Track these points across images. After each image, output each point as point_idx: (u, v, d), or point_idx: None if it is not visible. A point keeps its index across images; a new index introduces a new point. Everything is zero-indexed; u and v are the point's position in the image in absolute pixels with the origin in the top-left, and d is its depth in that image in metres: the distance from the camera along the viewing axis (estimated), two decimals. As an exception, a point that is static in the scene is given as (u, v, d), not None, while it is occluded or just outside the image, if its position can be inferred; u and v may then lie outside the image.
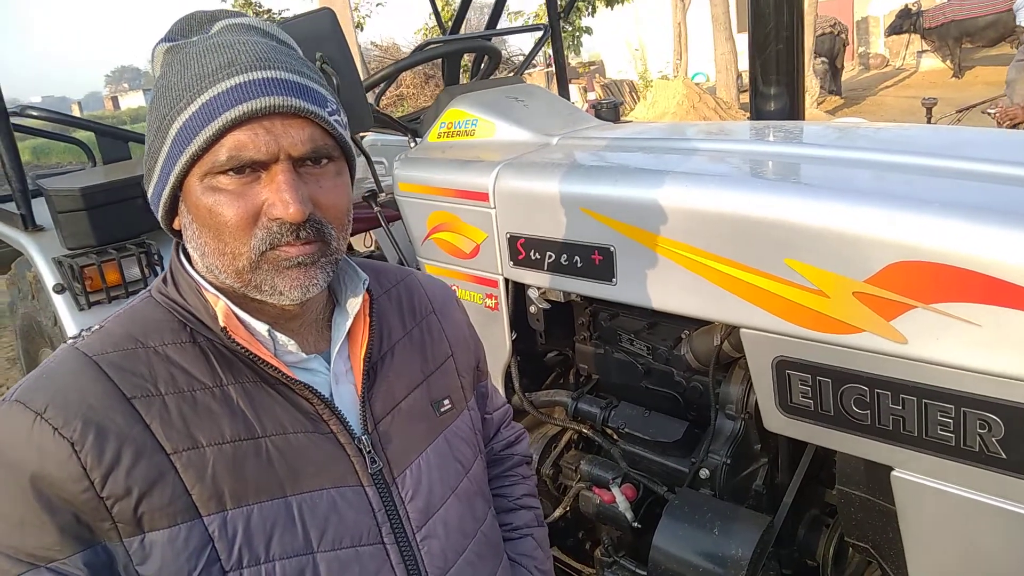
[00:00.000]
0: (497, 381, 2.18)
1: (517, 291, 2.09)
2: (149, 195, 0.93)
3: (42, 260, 2.48)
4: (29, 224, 2.58)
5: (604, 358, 2.10)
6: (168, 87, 0.86)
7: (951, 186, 1.39)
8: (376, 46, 18.20)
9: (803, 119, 2.31)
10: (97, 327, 0.92)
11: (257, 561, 0.85)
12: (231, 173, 0.84)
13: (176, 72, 0.86)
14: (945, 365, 1.27)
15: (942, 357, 1.27)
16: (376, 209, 2.51)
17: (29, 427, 0.79)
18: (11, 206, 2.71)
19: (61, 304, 2.42)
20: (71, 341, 0.90)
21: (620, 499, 1.90)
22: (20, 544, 0.79)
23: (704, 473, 1.76)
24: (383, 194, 2.51)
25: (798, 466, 1.74)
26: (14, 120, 2.66)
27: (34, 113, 3.12)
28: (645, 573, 1.78)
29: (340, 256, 0.94)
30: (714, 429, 1.80)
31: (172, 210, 0.92)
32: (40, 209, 2.62)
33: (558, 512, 2.14)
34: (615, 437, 2.06)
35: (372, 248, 3.59)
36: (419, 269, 2.32)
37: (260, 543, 0.85)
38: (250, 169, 0.84)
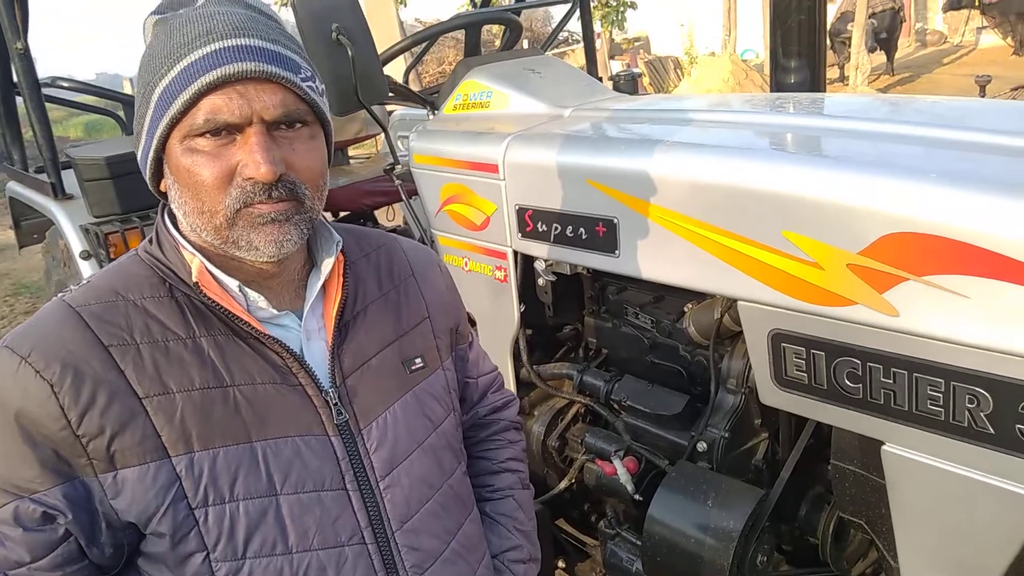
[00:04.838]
0: (506, 353, 2.19)
1: (526, 263, 2.10)
2: (138, 158, 0.98)
3: (70, 227, 2.57)
4: (59, 192, 2.67)
5: (611, 332, 2.10)
6: (153, 55, 0.92)
7: (951, 157, 1.36)
8: (420, 22, 18.20)
9: (823, 92, 2.26)
10: (85, 281, 0.98)
11: (222, 500, 0.90)
12: (208, 135, 0.89)
13: (161, 41, 0.91)
14: (935, 338, 1.25)
15: (933, 330, 1.24)
16: (397, 183, 2.53)
17: (15, 369, 0.86)
18: (44, 175, 2.80)
19: (87, 270, 2.50)
20: (61, 294, 0.96)
21: (622, 471, 1.90)
22: (6, 475, 0.87)
23: (702, 446, 1.76)
24: (399, 166, 2.52)
25: (797, 441, 1.72)
26: (46, 91, 2.75)
27: (65, 84, 3.20)
28: (644, 545, 1.78)
29: (315, 215, 0.98)
30: (714, 403, 1.79)
31: (158, 173, 0.97)
32: (70, 179, 2.70)
33: (563, 484, 2.15)
34: (619, 410, 2.06)
35: (396, 223, 3.62)
36: (433, 241, 2.34)
37: (225, 483, 0.91)
38: (226, 132, 0.89)
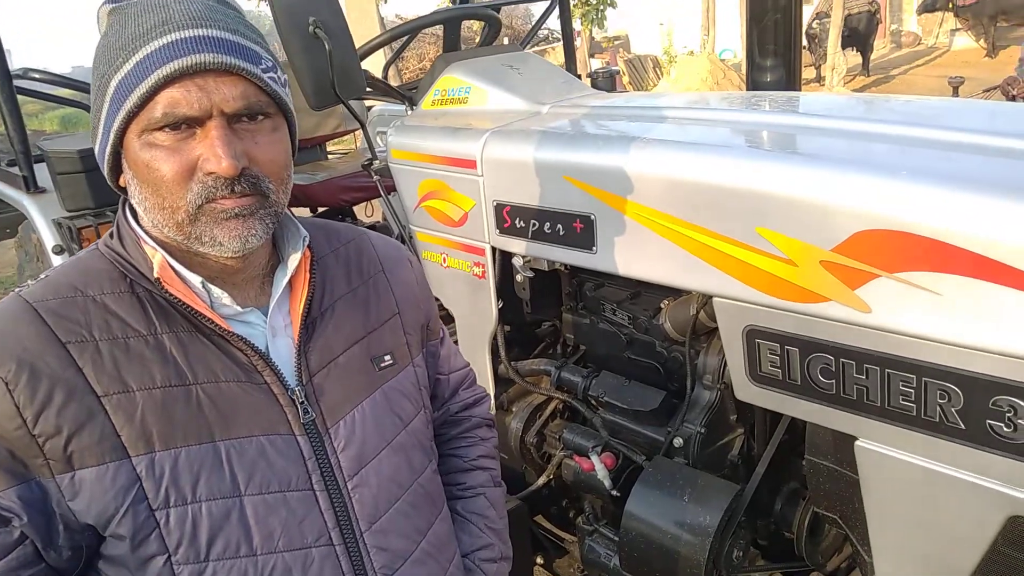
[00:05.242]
0: (484, 349, 2.19)
1: (504, 259, 2.09)
2: (96, 153, 0.96)
3: (42, 221, 2.54)
4: (31, 186, 2.63)
5: (589, 328, 2.10)
6: (107, 47, 0.89)
7: (924, 155, 1.37)
8: (400, 18, 18.14)
9: (799, 90, 2.28)
10: (44, 276, 0.95)
11: (184, 501, 0.88)
12: (167, 129, 0.87)
13: (115, 32, 0.89)
14: (907, 335, 1.26)
15: (904, 326, 1.26)
16: (376, 178, 2.52)
17: None
18: (16, 169, 2.76)
19: (60, 265, 2.47)
20: (18, 289, 0.94)
21: (599, 467, 1.91)
22: None
23: (678, 442, 1.77)
24: (378, 161, 2.51)
25: (772, 437, 1.74)
26: (17, 83, 2.70)
27: (36, 76, 3.16)
28: (622, 541, 1.79)
29: (280, 209, 0.96)
30: (690, 399, 1.80)
31: (117, 167, 0.95)
32: (43, 172, 2.67)
33: (541, 480, 2.15)
34: (597, 406, 2.07)
35: (375, 219, 3.60)
36: (411, 237, 2.34)
37: (187, 484, 0.88)
38: (185, 125, 0.87)
